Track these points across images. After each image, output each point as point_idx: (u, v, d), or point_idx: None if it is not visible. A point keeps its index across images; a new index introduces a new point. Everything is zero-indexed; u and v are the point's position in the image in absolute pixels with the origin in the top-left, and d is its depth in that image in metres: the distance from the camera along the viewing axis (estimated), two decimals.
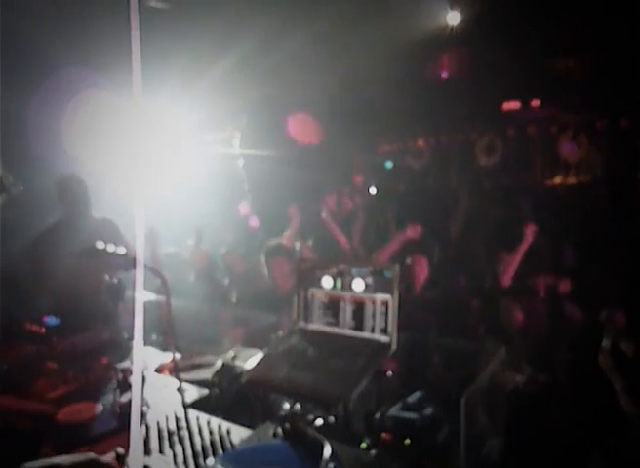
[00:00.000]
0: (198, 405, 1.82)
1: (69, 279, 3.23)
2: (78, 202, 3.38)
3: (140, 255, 0.81)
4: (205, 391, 1.95)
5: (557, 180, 6.85)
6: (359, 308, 1.94)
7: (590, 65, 5.90)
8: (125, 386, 1.88)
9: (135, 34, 0.86)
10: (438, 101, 6.45)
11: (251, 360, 2.07)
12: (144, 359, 2.18)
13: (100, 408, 1.78)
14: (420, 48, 5.45)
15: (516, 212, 5.28)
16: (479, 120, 6.96)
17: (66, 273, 3.23)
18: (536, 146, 7.00)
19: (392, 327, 1.85)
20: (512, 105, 6.82)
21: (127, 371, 1.95)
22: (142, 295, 0.86)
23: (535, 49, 5.56)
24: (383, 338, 1.86)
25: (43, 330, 2.52)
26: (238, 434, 1.59)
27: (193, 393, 1.93)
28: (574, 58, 6.09)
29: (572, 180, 6.76)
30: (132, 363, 2.09)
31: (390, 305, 1.87)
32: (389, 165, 8.02)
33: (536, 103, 6.70)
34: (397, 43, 5.25)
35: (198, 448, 1.50)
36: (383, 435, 1.54)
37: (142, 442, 1.53)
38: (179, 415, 1.68)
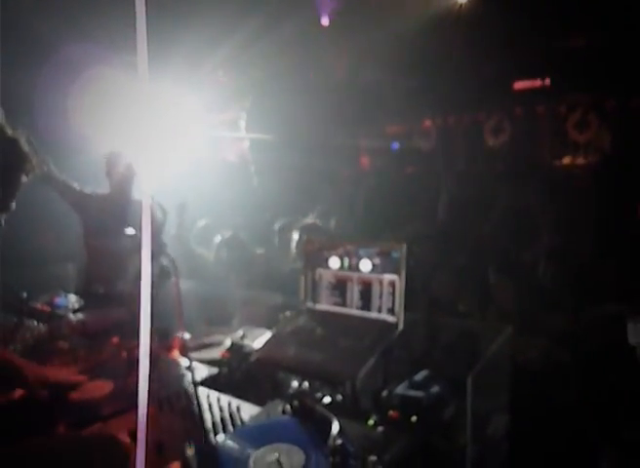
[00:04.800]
0: (208, 383, 1.85)
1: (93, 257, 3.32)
2: (122, 180, 3.41)
3: (147, 236, 0.82)
4: (214, 370, 1.98)
5: (566, 161, 6.79)
6: (366, 288, 1.95)
7: (600, 44, 5.80)
8: (136, 365, 1.91)
9: (140, 14, 0.85)
10: (446, 81, 6.38)
11: (259, 339, 2.09)
12: (154, 338, 2.21)
13: (111, 386, 1.81)
14: (427, 27, 5.37)
15: (524, 192, 5.25)
16: (487, 100, 6.88)
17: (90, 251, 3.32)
18: (544, 126, 6.92)
19: (399, 307, 1.87)
20: (521, 85, 6.72)
21: (138, 351, 1.97)
22: (149, 275, 0.87)
23: (544, 27, 5.46)
24: (390, 318, 1.88)
25: (54, 310, 2.56)
26: (248, 411, 1.62)
27: (203, 371, 1.96)
28: (583, 36, 5.98)
29: (581, 161, 6.69)
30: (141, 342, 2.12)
31: (397, 285, 1.88)
32: (396, 146, 7.97)
33: (545, 83, 6.60)
34: (404, 22, 5.18)
35: (208, 424, 1.53)
36: (390, 412, 1.56)
37: (155, 419, 1.56)
38: (189, 393, 1.71)
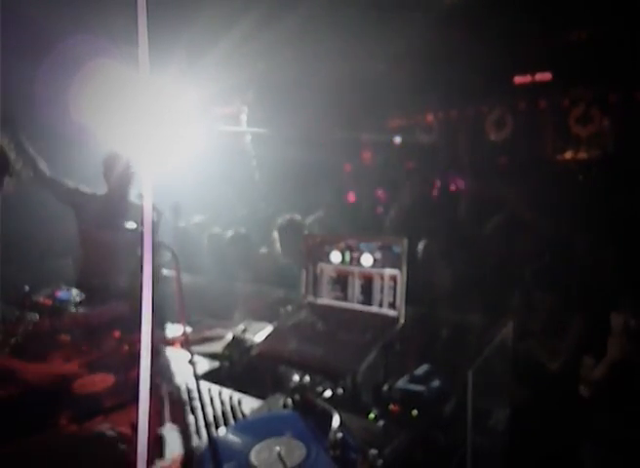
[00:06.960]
0: (209, 376, 1.86)
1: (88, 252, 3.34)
2: (120, 181, 3.42)
3: (149, 230, 0.82)
4: (216, 363, 1.99)
5: (568, 155, 6.76)
6: (367, 283, 1.95)
7: (603, 38, 5.76)
8: (138, 359, 1.92)
9: (141, 7, 0.85)
10: (448, 75, 6.35)
11: (260, 333, 2.10)
12: (156, 332, 2.22)
13: (113, 379, 1.82)
14: (429, 20, 5.33)
15: (526, 187, 5.23)
16: (489, 93, 6.85)
17: (86, 247, 3.34)
18: (547, 120, 6.89)
19: (400, 301, 1.87)
20: (523, 78, 6.69)
21: (139, 344, 1.98)
22: (151, 270, 0.87)
23: (547, 21, 5.42)
24: (392, 312, 1.88)
25: (55, 303, 2.56)
26: (249, 404, 1.62)
27: (204, 365, 1.97)
28: (586, 30, 5.94)
29: (583, 155, 6.66)
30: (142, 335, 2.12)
31: (399, 280, 1.87)
32: (398, 140, 7.94)
33: (547, 76, 6.57)
34: (406, 15, 5.15)
35: (210, 417, 1.54)
36: (391, 406, 1.56)
37: (156, 412, 1.57)
38: (190, 387, 1.72)
